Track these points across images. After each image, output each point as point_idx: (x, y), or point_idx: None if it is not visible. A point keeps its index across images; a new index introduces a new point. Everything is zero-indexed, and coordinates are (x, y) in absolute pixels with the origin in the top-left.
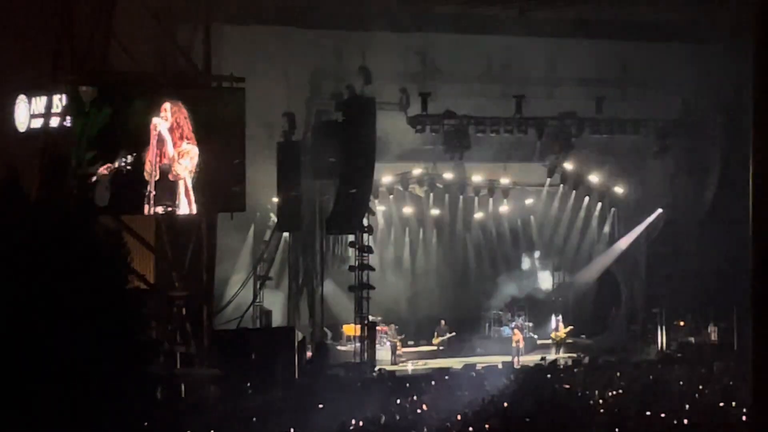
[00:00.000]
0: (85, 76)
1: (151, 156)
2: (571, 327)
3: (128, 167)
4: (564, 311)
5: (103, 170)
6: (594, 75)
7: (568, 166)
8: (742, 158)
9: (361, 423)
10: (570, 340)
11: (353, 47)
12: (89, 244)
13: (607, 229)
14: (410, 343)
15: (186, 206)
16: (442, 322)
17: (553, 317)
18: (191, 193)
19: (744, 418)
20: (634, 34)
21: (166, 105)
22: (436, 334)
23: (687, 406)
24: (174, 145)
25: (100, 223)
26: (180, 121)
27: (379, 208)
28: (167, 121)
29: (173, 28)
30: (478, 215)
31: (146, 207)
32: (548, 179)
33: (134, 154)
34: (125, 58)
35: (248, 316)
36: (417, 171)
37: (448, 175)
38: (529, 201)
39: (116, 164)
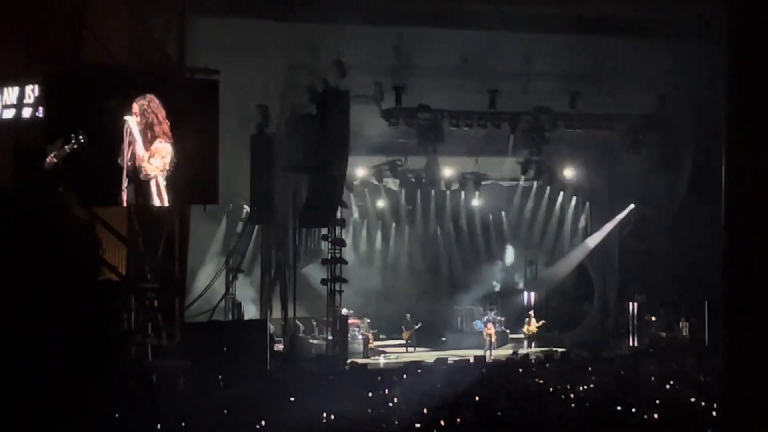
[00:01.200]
0: (58, 67)
1: (121, 151)
2: (543, 322)
3: (100, 157)
4: (537, 306)
5: (53, 158)
6: (568, 70)
7: (543, 161)
8: (715, 154)
9: (332, 416)
10: (542, 335)
11: (328, 40)
12: (61, 236)
13: (581, 224)
14: (382, 336)
15: (156, 201)
16: (408, 315)
17: (526, 312)
18: (163, 191)
19: (714, 413)
20: (609, 29)
21: (138, 104)
22: (403, 328)
23: (658, 401)
24: (145, 144)
25: (73, 215)
26: (151, 120)
27: (353, 201)
28: (138, 120)
29: (148, 19)
30: (452, 209)
31: (117, 200)
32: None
33: (103, 143)
34: (99, 49)
35: (220, 309)
36: (390, 164)
37: (422, 169)
38: (502, 195)
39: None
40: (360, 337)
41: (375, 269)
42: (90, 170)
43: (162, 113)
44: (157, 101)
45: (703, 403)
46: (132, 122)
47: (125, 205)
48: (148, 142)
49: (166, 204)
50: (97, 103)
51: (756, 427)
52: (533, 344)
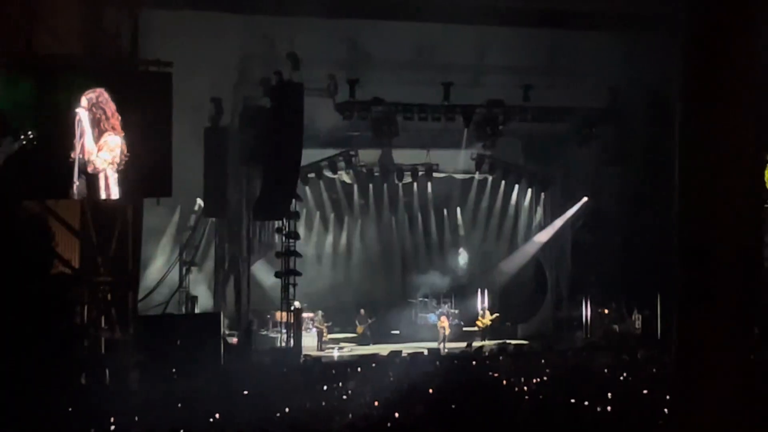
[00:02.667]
0: (10, 60)
1: (72, 143)
2: (497, 315)
3: (51, 151)
4: (490, 298)
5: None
6: (522, 63)
7: (496, 156)
8: (668, 147)
9: (287, 409)
10: (496, 328)
11: (282, 33)
12: (13, 230)
13: (534, 217)
14: (336, 329)
15: (108, 194)
16: (362, 311)
17: (479, 304)
18: (112, 185)
19: (664, 406)
20: (562, 22)
21: (88, 97)
22: (357, 323)
23: (611, 394)
24: (94, 137)
25: (24, 208)
26: (101, 113)
27: (307, 194)
28: (88, 113)
29: (100, 10)
30: (406, 202)
31: (68, 193)
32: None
33: (53, 137)
34: (50, 42)
35: (174, 302)
36: (344, 157)
37: (376, 162)
38: (456, 188)
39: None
40: (314, 330)
41: (329, 262)
42: (41, 164)
43: (112, 106)
44: (106, 94)
45: (655, 395)
46: (83, 115)
47: (77, 198)
48: (97, 136)
49: (115, 197)
50: (47, 97)
51: (708, 419)
52: (487, 337)
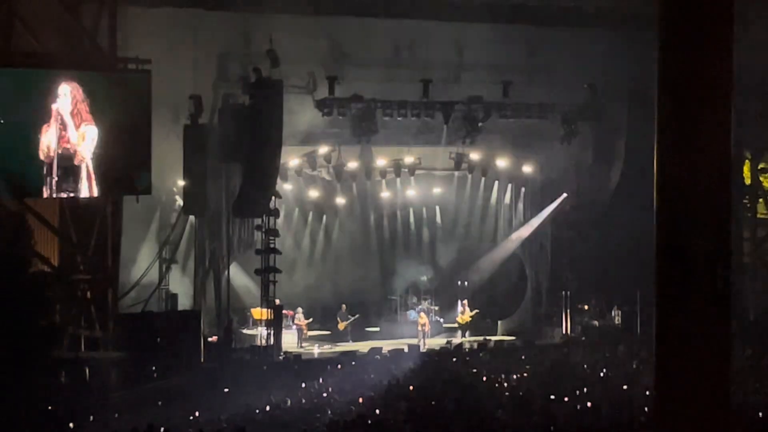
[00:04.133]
0: None
1: (50, 139)
2: (477, 311)
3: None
4: (470, 295)
5: None
6: (501, 60)
7: (475, 153)
8: (647, 143)
9: (267, 407)
10: (476, 324)
11: (261, 30)
12: None
13: (514, 213)
14: (316, 326)
15: (87, 190)
16: (343, 306)
17: (459, 301)
18: (93, 176)
19: (644, 402)
20: (542, 19)
21: (65, 88)
22: (339, 319)
23: (591, 390)
24: (76, 128)
25: (2, 206)
26: (78, 106)
27: (286, 191)
28: (68, 104)
29: (78, 8)
30: (385, 199)
31: (46, 190)
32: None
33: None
34: (28, 38)
35: (154, 300)
36: (324, 154)
37: (355, 159)
38: (435, 184)
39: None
40: (294, 327)
41: (308, 259)
42: (19, 160)
43: (88, 102)
44: (81, 90)
45: (635, 391)
46: (63, 107)
47: (55, 195)
48: (78, 125)
49: (95, 189)
50: (25, 93)
51: (687, 415)
52: (467, 333)
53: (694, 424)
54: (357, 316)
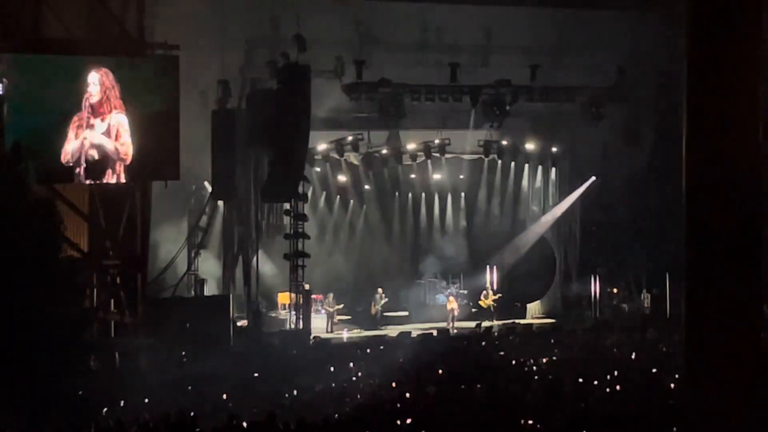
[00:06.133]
0: (17, 43)
1: (79, 125)
2: (500, 295)
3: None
4: (499, 279)
5: None
6: (529, 43)
7: (504, 138)
8: (676, 125)
9: (295, 391)
10: (505, 307)
11: (288, 14)
12: (21, 213)
13: (543, 197)
14: (345, 310)
15: (116, 176)
16: (380, 290)
17: (487, 284)
18: (122, 162)
19: (673, 385)
20: (569, 1)
21: (95, 76)
22: (373, 303)
23: (620, 373)
24: (102, 116)
25: (33, 192)
26: (108, 92)
27: (315, 175)
28: (97, 91)
29: None
30: (413, 183)
31: (75, 176)
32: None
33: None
34: (57, 25)
35: (183, 285)
36: (352, 139)
37: (384, 143)
38: (463, 168)
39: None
40: (323, 311)
41: (337, 244)
42: (50, 147)
43: (117, 88)
44: (111, 76)
45: (665, 375)
46: (92, 95)
47: (84, 180)
48: (105, 114)
49: (123, 180)
50: (54, 80)
51: (717, 398)
52: (495, 317)
53: (725, 407)
54: (386, 300)
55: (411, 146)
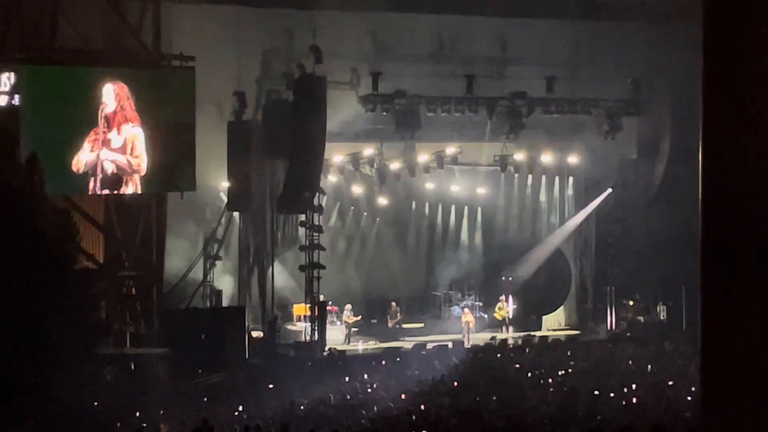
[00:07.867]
0: (34, 54)
1: (95, 136)
2: (514, 307)
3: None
4: (515, 291)
5: None
6: (545, 55)
7: (519, 149)
8: (692, 137)
9: (310, 402)
10: (520, 320)
11: (304, 26)
12: (38, 224)
13: (558, 208)
14: (361, 322)
15: (132, 187)
16: (393, 304)
17: (503, 296)
18: (137, 173)
19: (689, 398)
20: (585, 14)
21: (109, 87)
22: (389, 317)
23: (636, 385)
24: (118, 128)
25: (49, 203)
26: (123, 104)
27: (330, 187)
28: (113, 102)
29: (122, 6)
30: (428, 195)
31: (91, 187)
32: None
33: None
34: (74, 37)
35: (198, 296)
36: (367, 150)
37: (399, 155)
38: (479, 180)
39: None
40: (338, 323)
41: (352, 255)
42: (65, 158)
43: (133, 99)
44: (126, 88)
45: (680, 387)
46: (107, 107)
47: (100, 191)
48: (120, 126)
49: (140, 190)
50: (70, 91)
51: (733, 410)
52: (511, 329)
53: (741, 421)
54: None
55: (426, 158)
